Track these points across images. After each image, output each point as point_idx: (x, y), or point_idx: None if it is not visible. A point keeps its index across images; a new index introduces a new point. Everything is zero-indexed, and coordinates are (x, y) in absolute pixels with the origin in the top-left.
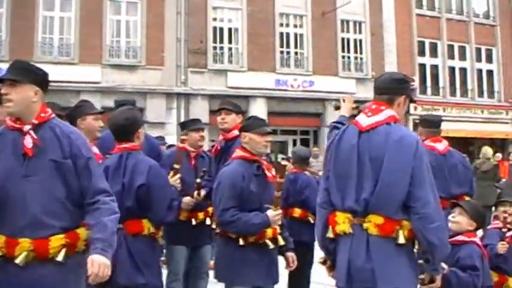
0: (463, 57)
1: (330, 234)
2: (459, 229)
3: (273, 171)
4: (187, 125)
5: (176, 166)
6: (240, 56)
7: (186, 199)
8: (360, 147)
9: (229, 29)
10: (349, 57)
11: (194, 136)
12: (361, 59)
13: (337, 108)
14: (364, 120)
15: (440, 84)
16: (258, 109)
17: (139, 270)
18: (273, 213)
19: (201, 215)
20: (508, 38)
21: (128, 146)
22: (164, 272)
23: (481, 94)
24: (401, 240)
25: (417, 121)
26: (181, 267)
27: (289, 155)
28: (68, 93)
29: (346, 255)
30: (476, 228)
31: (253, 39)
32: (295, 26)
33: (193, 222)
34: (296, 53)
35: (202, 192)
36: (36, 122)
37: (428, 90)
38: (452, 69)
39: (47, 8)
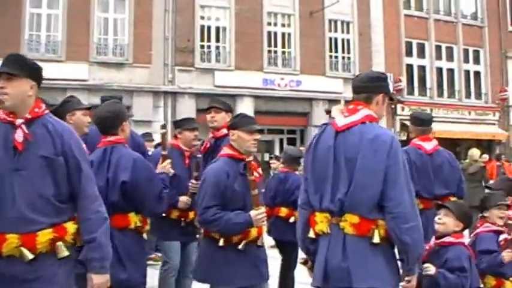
0: (450, 58)
1: (311, 235)
2: (446, 230)
3: (260, 171)
4: (182, 124)
5: (163, 152)
6: (227, 54)
7: (184, 198)
8: (336, 148)
9: (217, 28)
10: (336, 57)
11: (188, 135)
12: (348, 58)
13: (328, 112)
14: (340, 120)
15: (428, 85)
16: (245, 108)
17: (122, 265)
18: (256, 213)
19: (191, 214)
20: (495, 39)
21: (112, 140)
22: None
23: (468, 95)
24: (376, 239)
25: (404, 120)
26: (178, 262)
27: (276, 154)
28: (55, 90)
29: (323, 254)
30: (463, 229)
31: (240, 38)
32: (283, 25)
33: (182, 223)
34: (284, 53)
35: None
36: (29, 116)
37: (416, 91)
38: (439, 70)
39: (34, 5)
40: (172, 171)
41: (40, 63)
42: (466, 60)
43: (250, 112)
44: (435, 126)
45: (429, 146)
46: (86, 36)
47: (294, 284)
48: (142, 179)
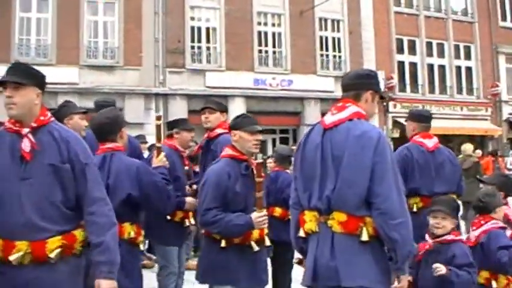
0: (441, 54)
1: (302, 234)
2: (445, 232)
3: (262, 172)
4: (180, 124)
5: (158, 145)
6: (218, 55)
7: (190, 199)
8: (324, 145)
9: (207, 29)
10: (327, 56)
11: (186, 136)
12: (339, 57)
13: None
14: (328, 118)
15: (419, 81)
16: (237, 108)
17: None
18: (257, 215)
19: (191, 215)
20: (486, 34)
21: (111, 147)
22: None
23: (460, 91)
24: (365, 237)
25: (397, 118)
26: (177, 267)
27: (269, 154)
28: (46, 94)
29: (313, 253)
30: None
31: (231, 39)
32: (273, 24)
33: (187, 223)
34: (274, 52)
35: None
36: (35, 125)
37: (407, 88)
38: (431, 67)
39: (24, 9)
40: (167, 164)
41: None
42: (457, 56)
43: (242, 112)
44: None
45: (430, 143)
46: (76, 40)
47: (291, 282)
48: (149, 187)
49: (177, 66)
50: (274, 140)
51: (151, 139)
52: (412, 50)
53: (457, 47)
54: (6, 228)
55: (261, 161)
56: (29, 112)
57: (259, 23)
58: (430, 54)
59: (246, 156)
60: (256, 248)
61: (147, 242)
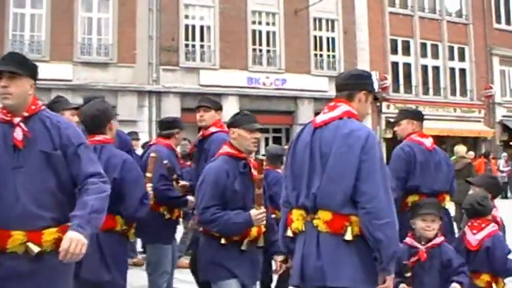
0: (435, 55)
1: (289, 233)
2: (434, 235)
3: (262, 170)
4: (179, 123)
5: (148, 175)
6: (212, 53)
7: (191, 198)
8: (313, 143)
9: (201, 27)
10: (321, 55)
11: (181, 135)
12: (333, 57)
13: None
14: (319, 117)
15: (413, 82)
16: (231, 107)
17: (107, 266)
18: (256, 212)
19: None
20: (480, 36)
21: (101, 139)
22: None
23: (453, 92)
24: (349, 236)
25: (390, 118)
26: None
27: (262, 153)
28: (39, 91)
29: (300, 253)
30: None
31: (225, 37)
32: (268, 23)
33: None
34: (268, 51)
35: (182, 182)
36: (26, 114)
37: (401, 89)
38: (425, 68)
39: (18, 5)
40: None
41: None
42: (451, 58)
43: (235, 111)
44: None
45: (428, 142)
46: (70, 36)
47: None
48: (129, 179)
49: (171, 64)
50: (267, 139)
51: (144, 136)
52: (406, 50)
53: (451, 49)
54: (2, 218)
55: (261, 158)
56: (24, 102)
57: (253, 22)
58: (424, 55)
59: (244, 154)
60: (244, 247)
61: (138, 240)
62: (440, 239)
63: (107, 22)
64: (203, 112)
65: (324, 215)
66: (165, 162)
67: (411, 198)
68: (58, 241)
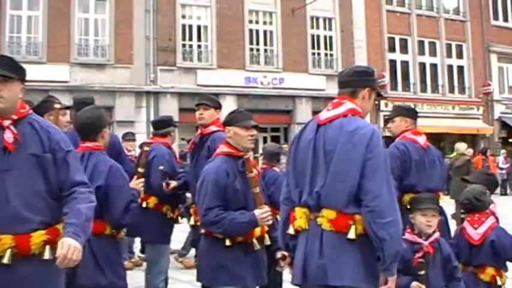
0: (433, 53)
1: (291, 231)
2: (432, 230)
3: (258, 168)
4: (174, 122)
5: (140, 170)
6: (209, 53)
7: (190, 195)
8: (316, 140)
9: (198, 27)
10: (319, 54)
11: (175, 135)
12: (331, 55)
13: None
14: (323, 114)
15: (411, 80)
16: (228, 107)
17: (102, 270)
18: (260, 212)
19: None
20: (478, 33)
21: (90, 146)
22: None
23: (451, 90)
24: (352, 235)
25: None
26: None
27: (260, 152)
28: (37, 92)
29: (302, 251)
30: None
31: (222, 37)
32: (265, 23)
33: (180, 220)
34: (266, 50)
35: (173, 184)
36: (15, 117)
37: (399, 87)
38: (422, 65)
39: (14, 7)
40: (142, 189)
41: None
42: (449, 55)
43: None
44: (419, 122)
45: (422, 140)
46: (67, 37)
47: (282, 281)
48: (115, 186)
49: (168, 65)
50: (265, 139)
51: (142, 137)
52: (404, 48)
53: (449, 46)
54: None
55: (247, 156)
56: (14, 106)
57: (250, 21)
58: (422, 53)
59: (242, 153)
60: (257, 246)
61: (136, 240)
62: (437, 233)
63: (104, 23)
64: (203, 110)
65: (328, 214)
66: (160, 168)
67: (407, 197)
68: (46, 243)
